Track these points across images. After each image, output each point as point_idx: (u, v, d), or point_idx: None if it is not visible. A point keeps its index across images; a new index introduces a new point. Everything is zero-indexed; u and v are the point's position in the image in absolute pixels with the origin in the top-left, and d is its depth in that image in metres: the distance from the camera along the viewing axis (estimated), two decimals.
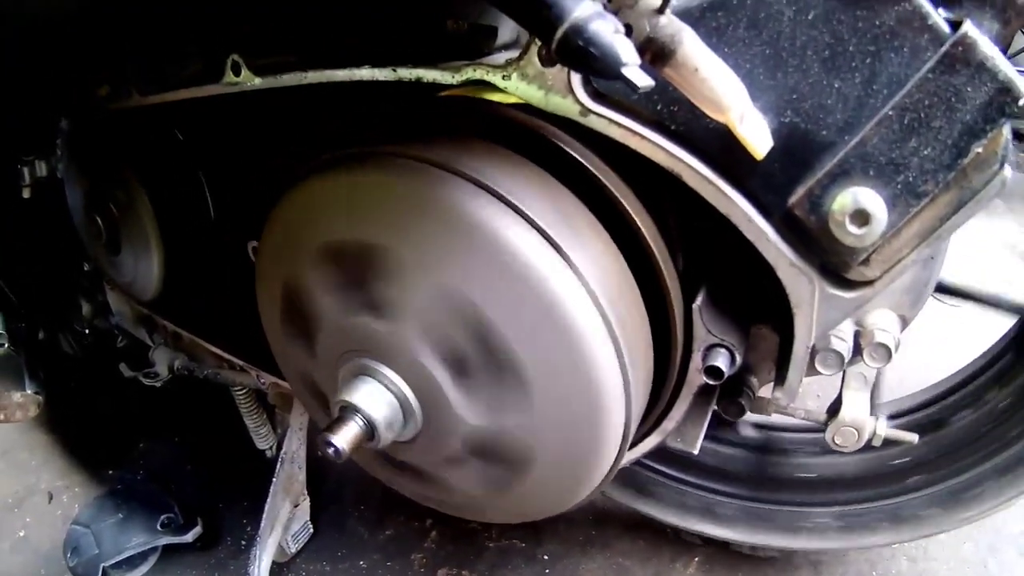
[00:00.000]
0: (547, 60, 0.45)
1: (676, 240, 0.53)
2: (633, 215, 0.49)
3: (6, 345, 1.14)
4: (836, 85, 0.44)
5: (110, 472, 1.46)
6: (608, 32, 0.33)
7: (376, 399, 0.49)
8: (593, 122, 0.47)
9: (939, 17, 0.45)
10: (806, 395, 1.18)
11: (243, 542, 1.21)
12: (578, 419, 0.48)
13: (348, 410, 0.48)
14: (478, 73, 0.48)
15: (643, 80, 0.34)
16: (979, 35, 0.44)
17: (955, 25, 0.45)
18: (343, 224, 0.50)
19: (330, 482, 1.23)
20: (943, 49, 0.44)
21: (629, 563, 1.07)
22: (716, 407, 0.65)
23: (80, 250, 1.04)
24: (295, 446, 1.07)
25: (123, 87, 0.75)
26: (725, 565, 1.05)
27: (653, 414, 0.59)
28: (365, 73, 0.52)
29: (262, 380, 0.86)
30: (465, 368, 0.50)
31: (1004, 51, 0.52)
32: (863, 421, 0.69)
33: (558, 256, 0.45)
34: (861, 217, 0.44)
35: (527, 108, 0.49)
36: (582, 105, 0.47)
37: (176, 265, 0.84)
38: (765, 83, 0.45)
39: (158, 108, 0.72)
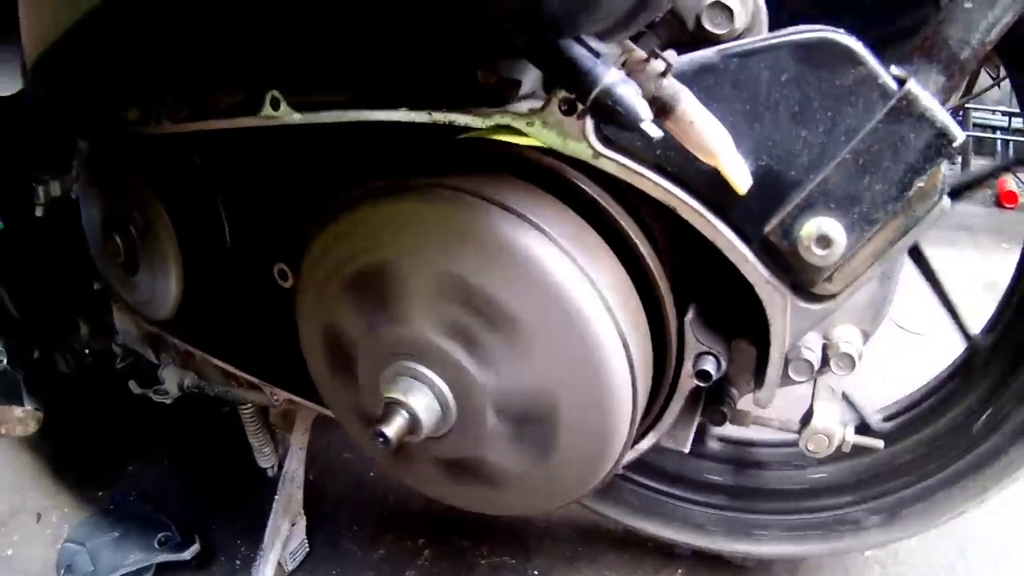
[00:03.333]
0: (566, 111, 0.55)
1: (670, 263, 0.64)
2: (637, 243, 0.60)
3: (5, 361, 1.21)
4: (803, 134, 0.56)
5: (99, 493, 1.51)
6: (632, 94, 0.44)
7: (420, 394, 0.60)
8: (603, 164, 0.58)
9: (888, 76, 0.56)
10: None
11: (237, 561, 1.27)
12: (597, 410, 0.59)
13: (392, 404, 0.59)
14: (505, 119, 0.58)
15: (655, 132, 0.45)
16: (920, 91, 0.56)
17: (902, 81, 0.57)
18: (383, 246, 0.61)
19: (325, 503, 1.29)
20: (890, 103, 0.55)
21: (616, 575, 1.17)
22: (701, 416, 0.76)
23: (89, 270, 1.11)
24: (295, 466, 1.15)
25: (154, 112, 0.83)
26: (707, 574, 1.14)
27: (651, 414, 0.69)
28: (401, 115, 0.62)
29: (275, 397, 0.95)
30: (494, 365, 0.61)
31: (943, 103, 0.64)
32: (833, 429, 0.79)
33: (579, 270, 0.56)
34: (824, 241, 0.56)
35: (545, 150, 0.60)
36: (594, 150, 0.57)
37: (194, 285, 0.92)
38: (746, 132, 0.56)
39: (186, 135, 0.80)
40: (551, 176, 0.59)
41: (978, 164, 2.78)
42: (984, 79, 2.28)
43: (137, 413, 1.54)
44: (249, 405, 1.08)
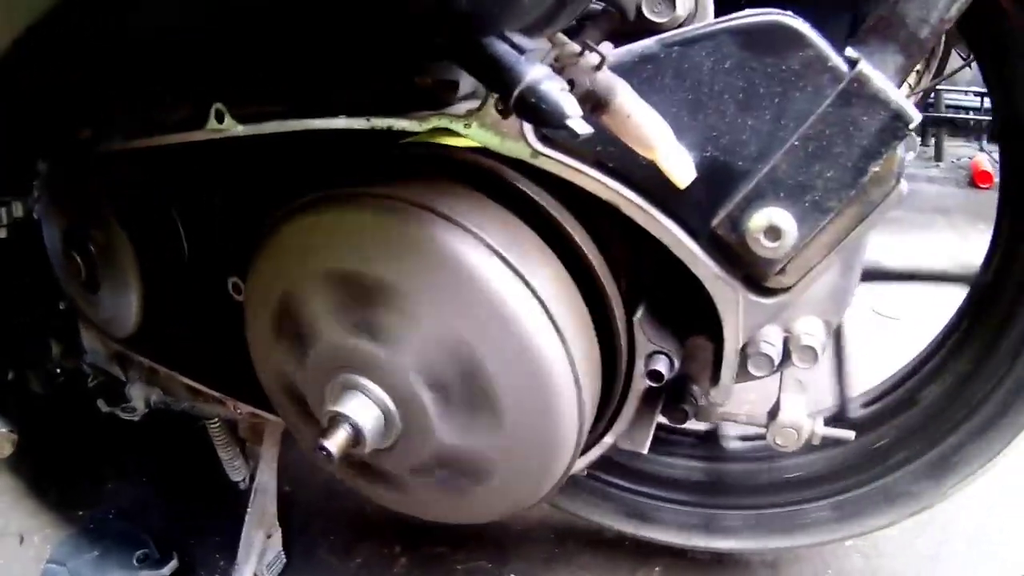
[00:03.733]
0: (503, 111, 0.53)
1: (619, 262, 0.62)
2: (579, 242, 0.58)
3: None
4: (749, 122, 0.54)
5: (79, 513, 1.52)
6: (556, 90, 0.42)
7: (365, 410, 0.58)
8: (543, 163, 0.57)
9: (838, 59, 0.54)
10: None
11: (216, 575, 1.27)
12: (541, 417, 0.57)
13: (338, 419, 0.56)
14: (443, 122, 0.57)
15: (583, 128, 0.42)
16: (873, 72, 0.54)
17: (853, 63, 0.55)
18: (338, 256, 0.60)
19: (298, 514, 1.29)
20: (841, 85, 0.53)
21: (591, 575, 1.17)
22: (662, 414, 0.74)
23: (55, 290, 1.10)
24: (266, 478, 1.13)
25: (107, 131, 0.82)
26: (685, 571, 1.15)
27: (605, 416, 0.67)
28: (341, 122, 0.61)
29: (239, 411, 0.93)
30: (442, 384, 0.59)
31: (901, 83, 0.62)
32: (801, 422, 0.78)
33: (519, 280, 0.54)
34: (774, 233, 0.54)
35: (484, 151, 0.58)
36: (533, 148, 0.56)
37: (154, 301, 0.91)
38: (689, 123, 0.54)
39: (138, 151, 0.79)
40: (490, 178, 0.57)
41: (952, 145, 2.80)
42: (955, 60, 2.27)
43: (112, 431, 1.54)
44: (215, 419, 1.06)
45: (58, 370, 1.28)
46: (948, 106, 2.81)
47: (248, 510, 1.13)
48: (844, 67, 0.54)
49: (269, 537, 1.16)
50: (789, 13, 0.55)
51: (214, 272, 0.83)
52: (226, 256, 0.81)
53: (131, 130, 0.80)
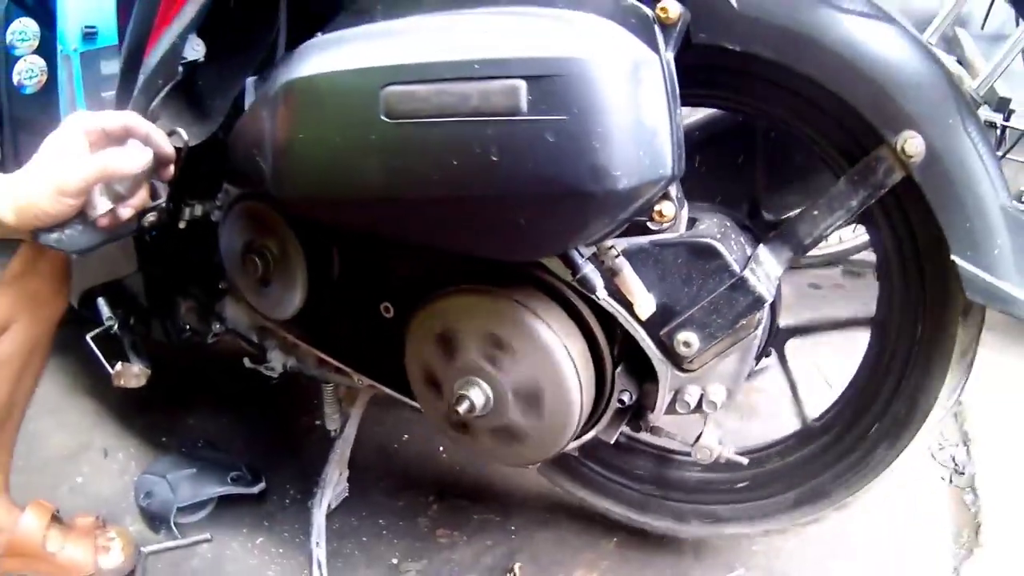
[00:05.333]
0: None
1: (613, 342, 1.46)
2: (597, 333, 1.42)
3: (115, 326, 1.88)
4: (685, 290, 1.35)
5: (163, 439, 2.26)
6: (596, 277, 1.25)
7: (478, 395, 1.41)
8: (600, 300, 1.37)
9: (735, 265, 1.34)
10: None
11: (287, 500, 2.07)
12: (559, 417, 1.42)
13: (463, 397, 1.39)
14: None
15: (603, 294, 1.28)
16: (751, 275, 1.37)
17: (746, 263, 1.40)
18: (478, 317, 1.42)
19: (360, 464, 2.05)
20: (732, 280, 1.34)
21: (573, 539, 1.94)
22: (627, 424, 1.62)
23: (215, 273, 1.84)
24: (350, 431, 1.98)
25: None
26: (636, 542, 1.94)
27: (593, 420, 1.51)
28: None
29: (360, 380, 1.79)
30: (518, 390, 1.43)
31: (785, 268, 1.48)
32: (713, 446, 1.63)
33: (563, 345, 1.36)
34: (687, 345, 1.35)
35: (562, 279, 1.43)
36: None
37: (313, 300, 1.73)
38: (657, 285, 1.31)
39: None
40: (558, 291, 1.44)
41: None
42: None
43: (195, 376, 2.33)
44: (331, 383, 1.92)
45: (187, 327, 1.97)
46: None
47: (333, 452, 1.93)
48: (737, 269, 1.37)
49: (341, 475, 1.96)
50: (717, 235, 1.41)
51: (366, 293, 1.63)
52: (381, 287, 1.62)
53: None
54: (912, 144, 1.21)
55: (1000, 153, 2.04)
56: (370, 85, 1.14)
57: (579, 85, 1.03)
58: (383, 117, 1.13)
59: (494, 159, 1.07)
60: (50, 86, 2.18)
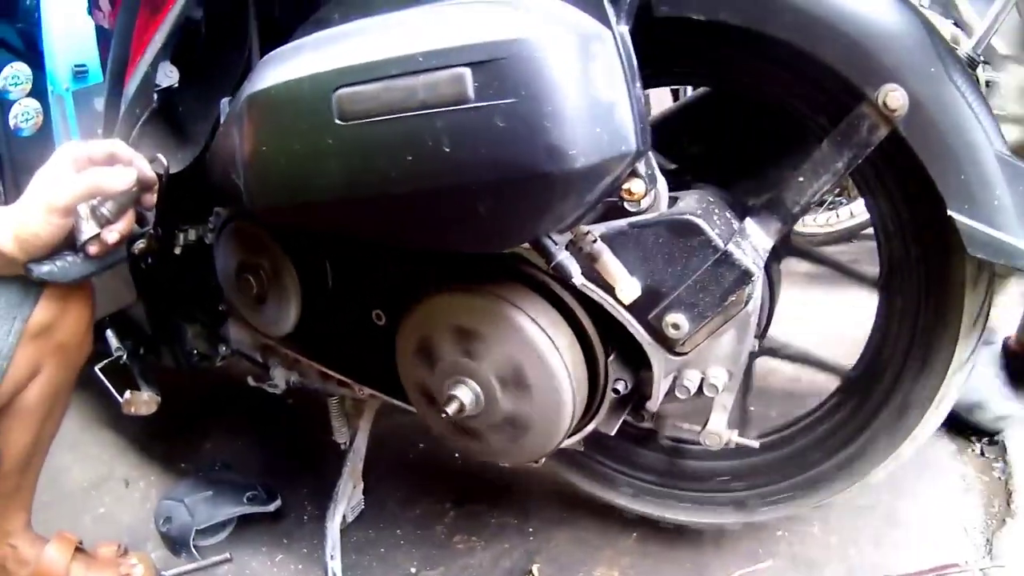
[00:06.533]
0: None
1: (603, 330, 1.45)
2: (585, 324, 1.39)
3: (124, 356, 1.94)
4: (669, 270, 1.32)
5: (182, 465, 2.30)
6: (572, 264, 1.23)
7: (466, 393, 1.40)
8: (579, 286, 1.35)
9: (719, 240, 1.30)
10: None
11: (305, 517, 2.08)
12: (552, 408, 1.39)
13: (452, 398, 1.38)
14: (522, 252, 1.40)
15: (580, 280, 1.26)
16: (736, 249, 1.35)
17: (731, 237, 1.38)
18: (460, 317, 1.41)
19: (374, 475, 2.07)
20: (716, 255, 1.31)
21: (592, 537, 1.93)
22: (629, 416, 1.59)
23: (213, 295, 1.85)
24: (360, 443, 1.98)
25: None
26: (655, 535, 1.93)
27: (590, 412, 1.49)
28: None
29: (362, 391, 1.78)
30: (505, 382, 1.43)
31: (775, 239, 1.45)
32: (721, 431, 1.60)
33: (549, 339, 1.34)
34: (676, 327, 1.33)
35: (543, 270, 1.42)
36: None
37: (308, 314, 1.73)
38: (639, 267, 1.29)
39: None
40: (542, 283, 1.41)
41: None
42: None
43: (210, 401, 2.35)
44: (336, 396, 1.92)
45: (195, 351, 2.00)
46: None
47: (345, 466, 1.93)
48: (721, 244, 1.34)
49: (355, 488, 1.96)
50: (698, 212, 1.38)
51: (358, 301, 1.61)
52: (371, 295, 1.61)
53: None
54: (894, 97, 1.17)
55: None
56: (322, 90, 1.14)
57: (523, 66, 1.01)
58: (337, 120, 1.13)
59: (447, 150, 1.05)
60: (46, 127, 2.22)
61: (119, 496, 2.24)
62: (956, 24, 2.21)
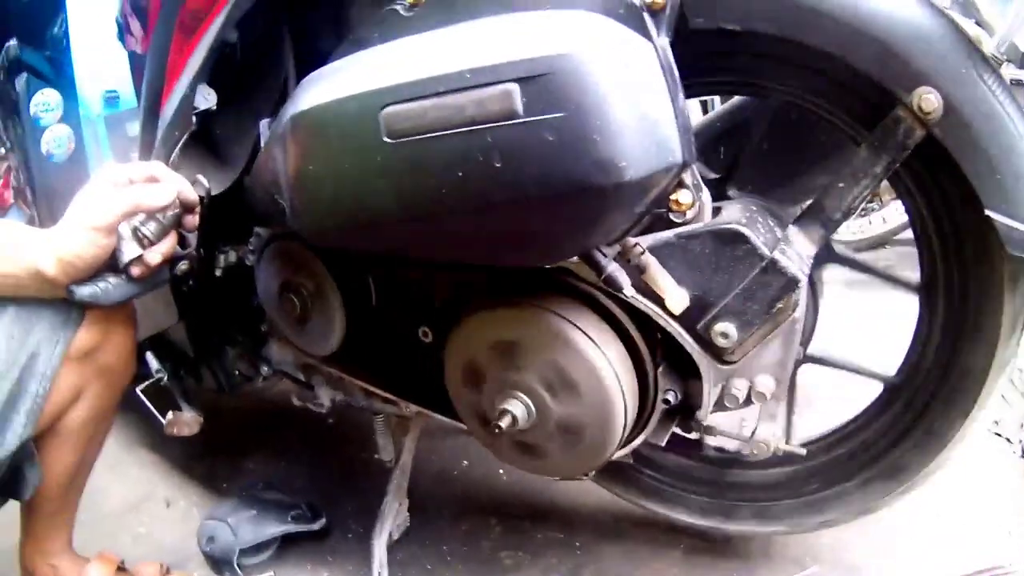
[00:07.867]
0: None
1: (652, 341, 1.44)
2: (635, 336, 1.38)
3: (165, 377, 1.96)
4: (716, 279, 1.33)
5: (224, 485, 2.30)
6: (622, 276, 1.24)
7: (517, 406, 1.40)
8: (629, 298, 1.34)
9: (764, 249, 1.30)
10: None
11: (349, 535, 2.06)
12: (604, 419, 1.39)
13: (504, 412, 1.37)
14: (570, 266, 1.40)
15: (630, 292, 1.27)
16: (782, 256, 1.35)
17: (776, 245, 1.38)
18: (503, 330, 1.41)
19: (420, 492, 2.05)
20: (763, 263, 1.32)
21: (639, 549, 1.91)
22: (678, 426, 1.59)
23: (254, 315, 1.88)
24: (406, 460, 1.98)
25: None
26: (704, 551, 1.90)
27: (640, 423, 1.49)
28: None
29: (408, 409, 1.79)
30: (556, 393, 1.43)
31: (818, 245, 1.45)
32: (770, 440, 1.60)
33: (601, 352, 1.34)
34: (725, 336, 1.34)
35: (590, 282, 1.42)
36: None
37: (352, 333, 1.74)
38: (687, 277, 1.30)
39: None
40: (590, 296, 1.41)
41: None
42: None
43: (252, 421, 2.36)
44: (381, 414, 1.93)
45: (237, 372, 2.03)
46: None
47: (391, 483, 1.93)
48: (767, 253, 1.34)
49: (400, 505, 1.95)
50: (743, 221, 1.39)
51: (404, 319, 1.61)
52: (417, 312, 1.60)
53: None
54: (928, 100, 1.18)
55: None
56: (369, 108, 1.15)
57: (570, 80, 1.02)
58: (385, 139, 1.14)
59: (497, 165, 1.06)
60: (78, 153, 2.24)
61: (160, 516, 2.25)
62: (978, 23, 2.21)
